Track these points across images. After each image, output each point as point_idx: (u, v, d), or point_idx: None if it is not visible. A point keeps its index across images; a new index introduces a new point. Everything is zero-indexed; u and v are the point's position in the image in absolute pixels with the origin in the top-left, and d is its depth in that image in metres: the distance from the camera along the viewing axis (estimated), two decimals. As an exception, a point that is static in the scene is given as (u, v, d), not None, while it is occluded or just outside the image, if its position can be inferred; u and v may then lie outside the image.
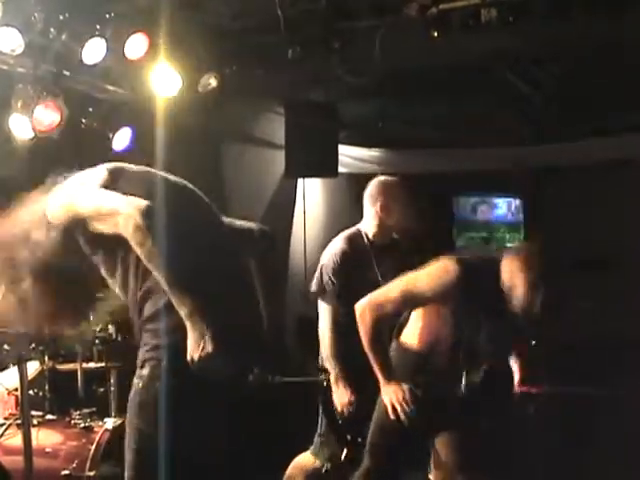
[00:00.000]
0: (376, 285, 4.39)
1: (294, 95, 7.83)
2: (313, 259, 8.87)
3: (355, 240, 5.01)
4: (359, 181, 9.69)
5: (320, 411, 4.99)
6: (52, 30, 5.40)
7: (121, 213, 2.98)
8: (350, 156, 9.44)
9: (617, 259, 4.36)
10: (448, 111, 8.96)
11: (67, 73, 5.73)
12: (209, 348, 2.85)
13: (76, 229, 3.15)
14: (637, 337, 6.21)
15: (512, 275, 3.68)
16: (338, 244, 4.99)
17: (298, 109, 7.80)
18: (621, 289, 7.95)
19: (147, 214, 2.95)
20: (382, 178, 5.13)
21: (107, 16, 5.58)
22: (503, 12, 5.72)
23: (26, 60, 5.43)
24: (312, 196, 9.14)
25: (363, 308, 3.93)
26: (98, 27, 5.55)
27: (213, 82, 6.38)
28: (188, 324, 2.90)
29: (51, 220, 3.17)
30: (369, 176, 9.43)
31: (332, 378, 4.78)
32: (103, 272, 3.22)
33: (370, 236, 5.02)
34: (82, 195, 3.14)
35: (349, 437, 4.75)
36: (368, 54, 6.09)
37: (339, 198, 9.54)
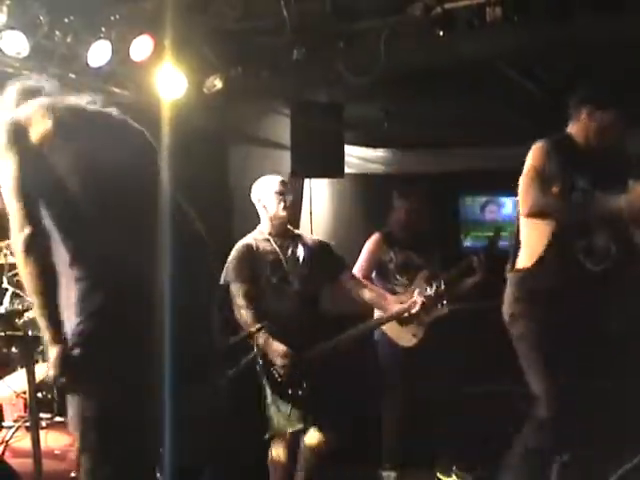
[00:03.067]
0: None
1: (299, 96, 7.82)
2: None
3: (255, 236, 5.46)
4: (365, 181, 9.77)
5: (264, 381, 5.14)
6: (57, 33, 5.42)
7: None
8: (356, 156, 9.46)
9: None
10: (453, 111, 8.95)
11: (73, 76, 5.75)
12: None
13: None
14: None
15: None
16: (243, 240, 5.45)
17: (304, 110, 7.79)
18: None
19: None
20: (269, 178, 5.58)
21: (112, 18, 5.61)
22: (508, 11, 5.72)
23: (32, 63, 5.45)
24: (319, 197, 9.15)
25: None
26: (103, 30, 5.57)
27: (218, 84, 6.40)
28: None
29: None
30: (375, 176, 9.52)
31: (260, 340, 5.02)
32: None
33: (268, 231, 5.45)
34: None
35: (290, 392, 5.05)
36: (373, 54, 6.09)
37: (345, 198, 9.55)
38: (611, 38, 5.96)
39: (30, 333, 4.55)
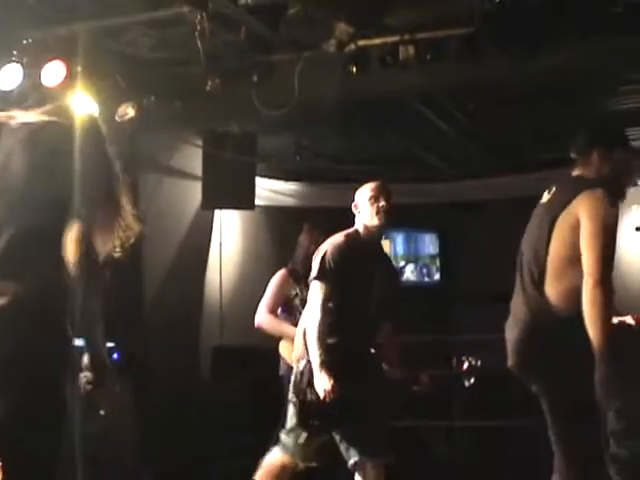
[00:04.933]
0: (367, 279, 4.94)
1: (212, 127, 7.82)
2: (228, 290, 8.87)
3: (355, 235, 5.18)
4: (276, 214, 9.79)
5: (291, 405, 5.02)
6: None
7: None
8: (267, 189, 9.47)
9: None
10: (366, 146, 9.05)
11: (-19, 98, 5.66)
12: None
13: None
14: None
15: None
16: (341, 237, 5.14)
17: (216, 141, 7.79)
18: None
19: None
20: (380, 182, 5.31)
21: (24, 42, 5.54)
22: (420, 50, 5.82)
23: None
24: (229, 228, 9.14)
25: None
26: (15, 52, 5.50)
27: (131, 112, 6.35)
28: None
29: None
30: (286, 209, 9.55)
31: (316, 364, 4.83)
32: None
33: (364, 234, 5.19)
34: None
35: (311, 421, 4.90)
36: (286, 88, 6.12)
37: (256, 230, 9.55)
38: (519, 79, 6.12)
39: None
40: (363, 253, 5.10)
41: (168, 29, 5.75)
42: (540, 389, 4.31)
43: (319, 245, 6.15)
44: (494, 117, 8.00)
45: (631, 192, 4.65)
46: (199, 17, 5.33)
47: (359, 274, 5.04)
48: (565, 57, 5.75)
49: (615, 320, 4.58)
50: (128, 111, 6.35)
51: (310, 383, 4.87)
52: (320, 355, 4.82)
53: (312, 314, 4.96)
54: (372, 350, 5.26)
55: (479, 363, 5.25)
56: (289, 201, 9.81)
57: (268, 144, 8.39)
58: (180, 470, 6.86)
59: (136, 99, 6.35)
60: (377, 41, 5.93)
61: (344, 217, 9.20)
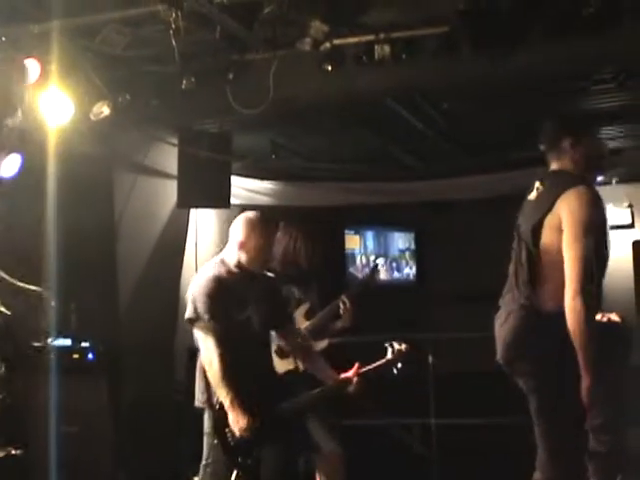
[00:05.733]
0: (242, 313, 4.84)
1: (187, 125, 7.80)
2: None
3: (222, 267, 5.06)
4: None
5: (207, 439, 4.99)
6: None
7: None
8: (243, 187, 9.46)
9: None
10: (342, 144, 9.06)
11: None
12: None
13: None
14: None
15: None
16: (209, 271, 5.02)
17: (191, 139, 7.76)
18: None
19: None
20: (247, 214, 5.16)
21: (-2, 39, 5.51)
22: (396, 49, 5.84)
23: None
24: (204, 227, 9.12)
25: None
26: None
27: (106, 110, 6.32)
28: None
29: None
30: (262, 208, 9.55)
31: (226, 403, 4.74)
32: None
33: (234, 266, 5.07)
34: None
35: (240, 460, 4.78)
36: (262, 86, 6.12)
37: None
38: (494, 78, 6.14)
39: None
40: (233, 283, 5.02)
41: (143, 27, 5.72)
42: (528, 385, 4.34)
43: (297, 243, 6.15)
44: (469, 116, 8.04)
45: (605, 191, 4.68)
46: (174, 15, 5.31)
47: (233, 306, 4.96)
48: (539, 57, 5.78)
49: (599, 316, 4.64)
50: (103, 109, 6.31)
51: (225, 421, 4.80)
52: (228, 393, 4.75)
53: (207, 356, 4.87)
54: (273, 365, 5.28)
55: (403, 346, 5.23)
56: (265, 200, 9.80)
57: (244, 143, 8.39)
58: (155, 472, 6.85)
59: (111, 97, 6.32)
60: (352, 40, 5.93)
61: (320, 215, 9.26)
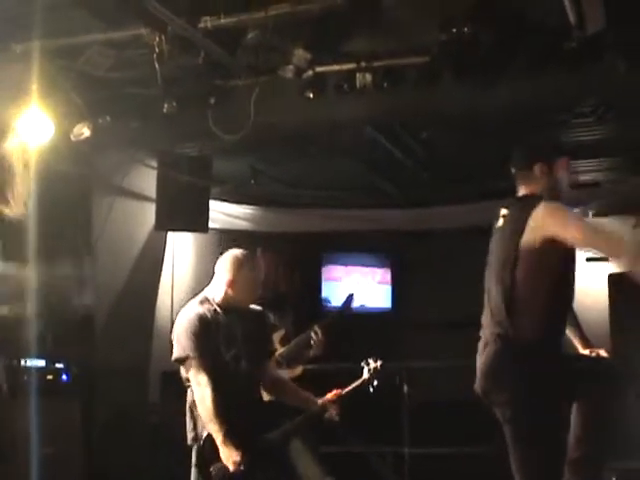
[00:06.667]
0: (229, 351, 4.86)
1: (167, 149, 7.81)
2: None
3: (206, 306, 5.05)
4: (230, 237, 9.78)
5: (194, 475, 4.95)
6: None
7: None
8: (222, 212, 9.46)
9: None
10: (321, 171, 9.08)
11: None
12: None
13: None
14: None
15: None
16: (193, 310, 5.01)
17: (171, 163, 7.76)
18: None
19: None
20: (235, 252, 5.16)
21: (-20, 59, 5.51)
22: (377, 77, 5.87)
23: None
24: (182, 251, 9.11)
25: None
26: (-30, 70, 5.46)
27: (86, 131, 6.32)
28: None
29: None
30: (240, 233, 9.56)
31: (219, 439, 4.73)
32: None
33: (218, 302, 5.06)
34: None
35: None
36: (243, 112, 6.14)
37: (209, 253, 9.52)
38: (473, 109, 6.19)
39: None
40: (218, 322, 5.01)
41: (126, 50, 5.74)
42: (504, 415, 4.34)
43: (277, 269, 6.15)
44: (448, 146, 8.08)
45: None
46: (158, 39, 5.34)
47: (219, 344, 4.95)
48: (519, 89, 5.84)
49: (587, 352, 4.66)
50: (83, 131, 6.32)
51: (216, 455, 4.78)
52: (221, 429, 4.73)
53: (199, 391, 4.85)
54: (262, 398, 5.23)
55: (379, 364, 5.25)
56: (243, 225, 9.80)
57: (224, 167, 8.40)
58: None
59: (92, 119, 6.33)
60: (334, 68, 5.97)
61: (298, 242, 9.26)
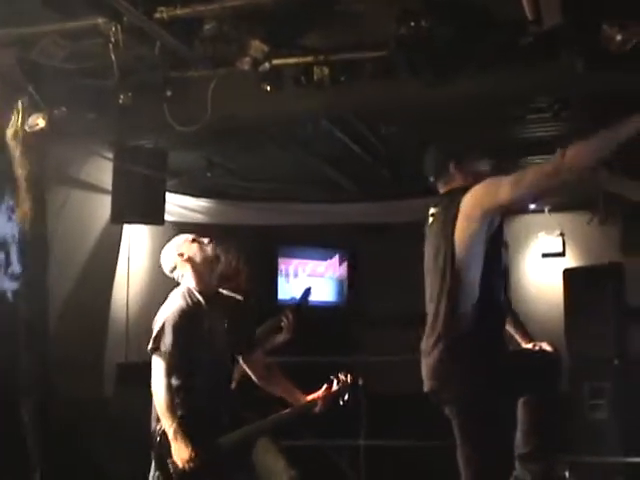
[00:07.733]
0: (206, 340, 4.84)
1: (123, 140, 7.75)
2: (135, 307, 8.77)
3: (189, 297, 5.03)
4: (186, 230, 9.74)
5: (153, 469, 4.92)
6: None
7: None
8: (178, 205, 9.42)
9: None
10: (278, 165, 9.08)
11: None
12: None
13: None
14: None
15: None
16: (177, 301, 4.99)
17: (127, 155, 7.70)
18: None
19: None
20: (185, 236, 5.28)
21: None
22: (335, 71, 5.88)
23: None
24: (137, 244, 9.05)
25: None
26: None
27: (41, 122, 6.26)
28: None
29: None
30: (196, 226, 9.53)
31: (170, 433, 4.69)
32: None
33: (198, 292, 5.06)
34: None
35: None
36: (200, 104, 6.11)
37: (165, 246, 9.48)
38: (431, 101, 6.22)
39: None
40: (201, 315, 5.01)
41: (82, 40, 5.68)
42: (452, 411, 4.36)
43: (237, 263, 6.13)
44: (405, 141, 8.10)
45: (537, 219, 4.75)
46: (114, 29, 5.30)
47: (198, 337, 4.95)
48: (476, 84, 5.86)
49: (530, 346, 4.69)
50: (38, 122, 6.25)
51: (169, 451, 4.74)
52: (172, 424, 4.69)
53: (155, 384, 4.82)
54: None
55: (349, 378, 5.27)
56: (199, 217, 9.77)
57: (179, 160, 8.36)
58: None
59: (47, 110, 6.27)
60: (292, 60, 5.96)
61: (254, 235, 9.24)
